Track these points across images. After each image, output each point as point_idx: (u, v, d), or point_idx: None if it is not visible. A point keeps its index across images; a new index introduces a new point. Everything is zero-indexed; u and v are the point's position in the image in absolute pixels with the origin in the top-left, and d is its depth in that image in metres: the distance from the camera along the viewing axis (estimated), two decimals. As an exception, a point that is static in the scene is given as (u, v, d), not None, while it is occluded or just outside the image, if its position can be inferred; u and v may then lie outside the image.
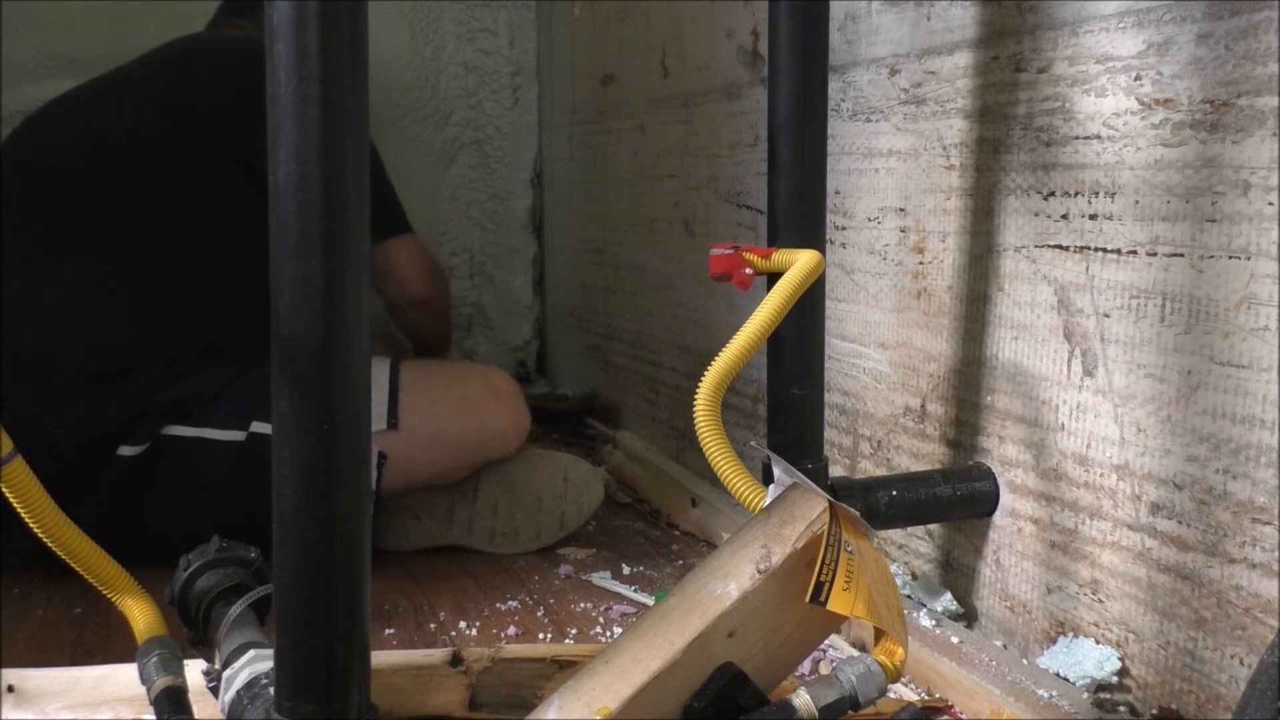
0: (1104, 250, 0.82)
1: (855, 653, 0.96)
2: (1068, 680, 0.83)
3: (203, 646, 0.76)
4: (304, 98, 0.53)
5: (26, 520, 0.63)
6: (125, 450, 1.14)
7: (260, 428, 1.16)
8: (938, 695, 0.87)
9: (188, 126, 1.25)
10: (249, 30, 1.52)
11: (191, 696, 0.68)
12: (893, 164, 1.06)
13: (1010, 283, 0.92)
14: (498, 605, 1.11)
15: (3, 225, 1.23)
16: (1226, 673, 0.73)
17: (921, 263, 1.02)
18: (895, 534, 1.09)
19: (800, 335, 0.92)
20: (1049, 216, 0.87)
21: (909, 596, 1.03)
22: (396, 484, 1.20)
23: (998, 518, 0.95)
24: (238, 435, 1.16)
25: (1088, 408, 0.84)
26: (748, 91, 1.33)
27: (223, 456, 1.16)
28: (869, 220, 1.10)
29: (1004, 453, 0.94)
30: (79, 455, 1.13)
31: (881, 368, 1.09)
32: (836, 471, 1.15)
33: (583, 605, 1.11)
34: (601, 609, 1.10)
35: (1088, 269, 0.83)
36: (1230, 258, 0.72)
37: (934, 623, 0.95)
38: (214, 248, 1.23)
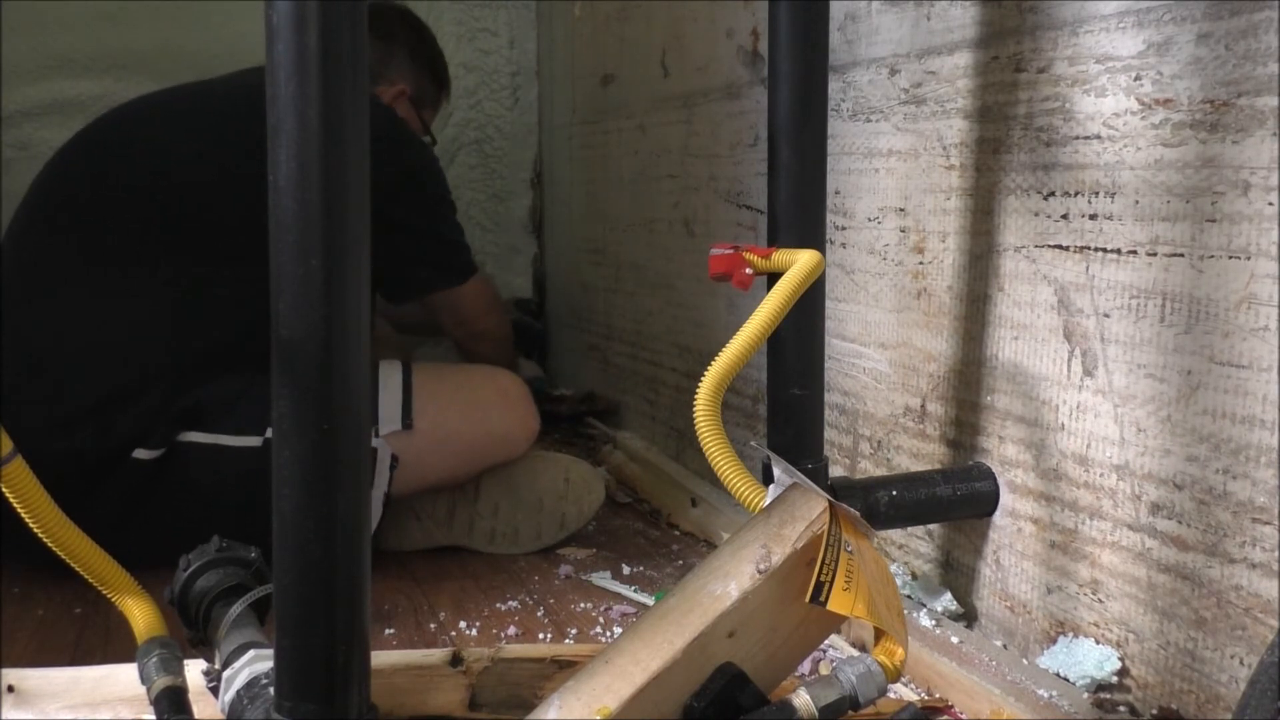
0: (1104, 250, 0.82)
1: (855, 653, 0.96)
2: (1068, 680, 0.83)
3: (203, 646, 0.76)
4: (304, 98, 0.53)
5: (26, 520, 0.63)
6: (141, 453, 1.14)
7: None
8: (938, 695, 0.87)
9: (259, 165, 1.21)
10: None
11: (191, 696, 0.68)
12: (893, 164, 1.06)
13: (1010, 283, 0.92)
14: (498, 605, 1.11)
15: (34, 235, 1.22)
16: (1226, 673, 0.73)
17: (921, 263, 1.02)
18: (895, 534, 1.09)
19: (800, 335, 0.92)
20: (1049, 216, 0.87)
21: (909, 596, 1.03)
22: (408, 487, 1.20)
23: (998, 518, 0.95)
24: (254, 441, 1.16)
25: (1088, 408, 0.84)
26: (748, 91, 1.33)
27: (238, 462, 1.15)
28: (869, 220, 1.10)
29: (1004, 453, 0.94)
30: (91, 465, 1.13)
31: (881, 368, 1.09)
32: (836, 471, 1.15)
33: (583, 605, 1.11)
34: (601, 609, 1.10)
35: (1088, 269, 0.83)
36: (1230, 258, 0.72)
37: (934, 623, 0.95)
38: (238, 272, 1.20)
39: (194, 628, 0.77)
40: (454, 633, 1.04)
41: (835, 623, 0.74)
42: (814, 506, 0.68)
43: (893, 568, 1.08)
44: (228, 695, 0.66)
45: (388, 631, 1.04)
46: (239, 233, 1.20)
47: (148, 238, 1.20)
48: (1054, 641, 0.88)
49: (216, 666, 0.71)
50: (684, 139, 1.51)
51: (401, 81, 1.60)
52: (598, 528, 1.37)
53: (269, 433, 1.13)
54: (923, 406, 1.03)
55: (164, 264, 1.20)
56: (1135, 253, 0.79)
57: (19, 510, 0.63)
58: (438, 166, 1.42)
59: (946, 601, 0.99)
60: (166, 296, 1.19)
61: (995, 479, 0.94)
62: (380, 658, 0.75)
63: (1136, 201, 0.79)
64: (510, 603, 1.12)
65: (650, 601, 1.12)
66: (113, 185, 1.23)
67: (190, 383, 1.17)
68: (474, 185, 2.21)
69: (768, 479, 0.76)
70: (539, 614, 1.09)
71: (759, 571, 0.66)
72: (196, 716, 0.67)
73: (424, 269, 1.42)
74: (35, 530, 0.64)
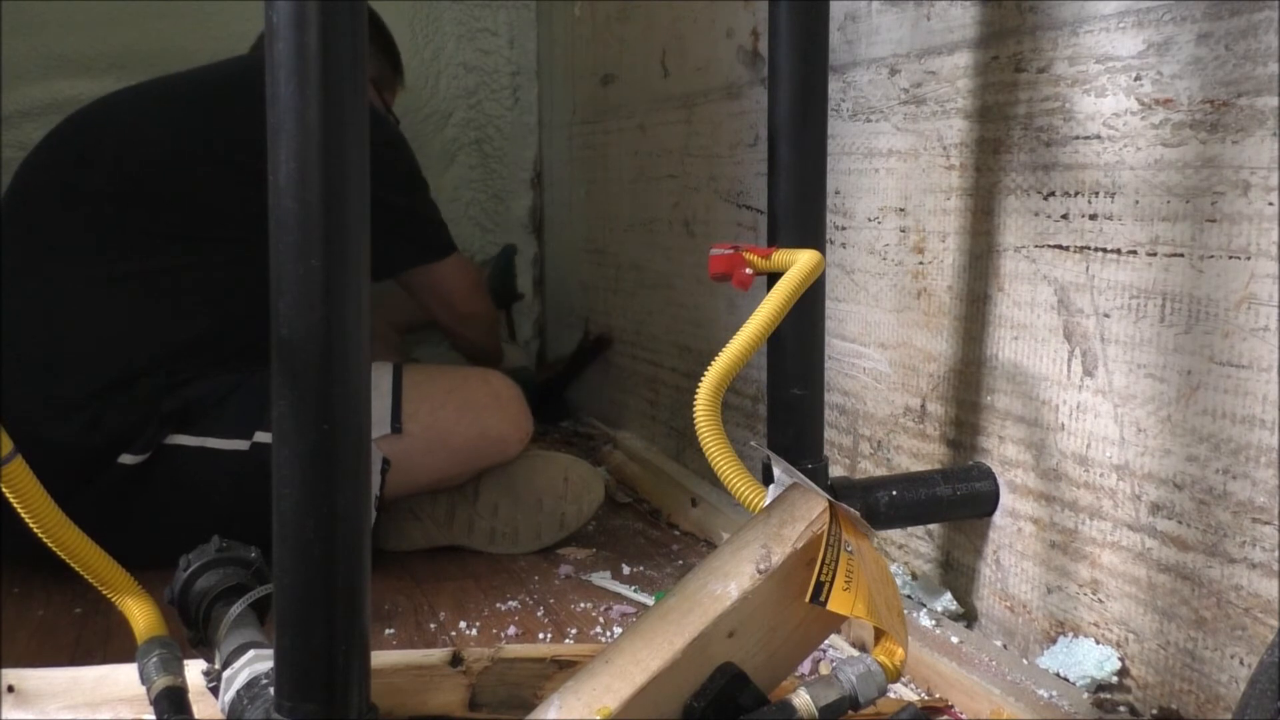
0: (1104, 250, 0.82)
1: (855, 653, 0.96)
2: (1068, 680, 0.83)
3: (203, 646, 0.76)
4: (304, 98, 0.53)
5: (26, 520, 0.63)
6: (126, 458, 1.13)
7: (263, 437, 1.15)
8: (938, 695, 0.87)
9: (241, 152, 1.22)
10: None
11: (191, 696, 0.68)
12: (893, 164, 1.06)
13: (1010, 283, 0.92)
14: (498, 605, 1.11)
15: (22, 226, 1.23)
16: (1226, 673, 0.73)
17: (921, 263, 1.02)
18: (895, 534, 1.09)
19: (800, 335, 0.92)
20: (1049, 216, 0.87)
21: (909, 596, 1.03)
22: (399, 489, 1.20)
23: (998, 518, 0.95)
24: (241, 444, 1.15)
25: (1088, 408, 0.84)
26: (748, 91, 1.33)
27: (225, 466, 1.15)
28: (869, 220, 1.10)
29: (1004, 453, 0.94)
30: (78, 461, 1.13)
31: (881, 368, 1.09)
32: (836, 471, 1.15)
33: (583, 605, 1.11)
34: (601, 609, 1.10)
35: (1088, 269, 0.83)
36: (1230, 258, 0.72)
37: (934, 623, 0.95)
38: (228, 261, 1.22)
39: (194, 628, 0.77)
40: (454, 633, 1.04)
41: (835, 623, 0.74)
42: (814, 506, 0.68)
43: (893, 568, 1.08)
44: (228, 695, 0.66)
45: (388, 631, 1.04)
46: (221, 221, 1.22)
47: (131, 227, 1.21)
48: (1054, 641, 0.88)
49: (216, 666, 0.71)
50: (684, 139, 1.51)
51: None
52: (598, 528, 1.37)
53: (257, 436, 1.15)
54: (923, 406, 1.03)
55: (150, 253, 1.20)
56: (1135, 253, 0.79)
57: (19, 510, 0.63)
58: (407, 145, 1.43)
59: (946, 601, 0.99)
60: (155, 285, 1.20)
61: (995, 479, 0.94)
62: (380, 658, 0.75)
63: (1136, 201, 0.79)
64: (510, 603, 1.12)
65: (650, 601, 1.12)
66: (102, 172, 1.23)
67: (180, 376, 1.17)
68: (474, 185, 2.20)
69: (768, 479, 0.76)
70: (539, 614, 1.09)
71: (759, 571, 0.66)
72: (196, 716, 0.67)
73: (403, 244, 1.41)
74: (35, 530, 0.64)
